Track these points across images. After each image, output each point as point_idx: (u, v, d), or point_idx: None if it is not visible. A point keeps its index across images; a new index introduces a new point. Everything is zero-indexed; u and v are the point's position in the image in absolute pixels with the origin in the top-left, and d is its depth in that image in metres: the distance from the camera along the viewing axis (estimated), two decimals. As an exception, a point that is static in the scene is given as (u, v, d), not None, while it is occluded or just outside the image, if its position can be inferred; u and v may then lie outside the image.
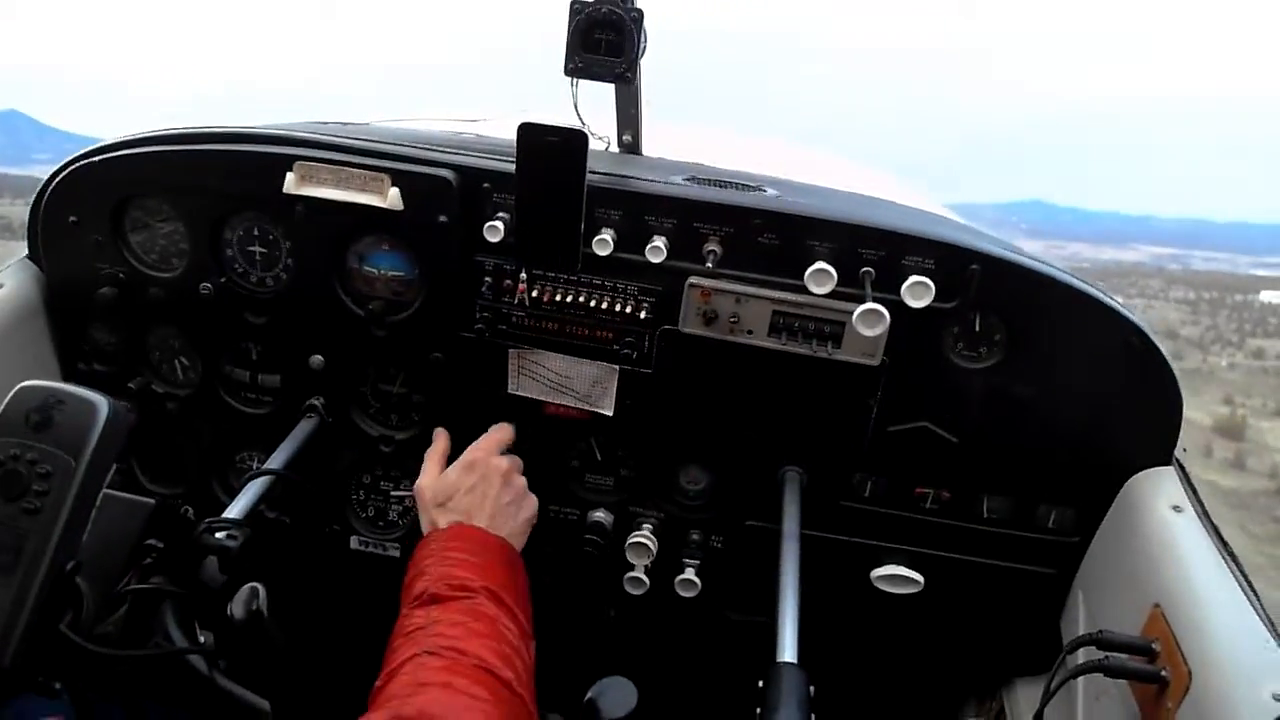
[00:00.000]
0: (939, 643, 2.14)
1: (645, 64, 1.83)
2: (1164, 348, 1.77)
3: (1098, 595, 1.87)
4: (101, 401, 1.36)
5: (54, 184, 1.96)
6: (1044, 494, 1.92)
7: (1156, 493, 1.77)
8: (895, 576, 1.99)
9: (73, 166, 1.94)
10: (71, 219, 1.97)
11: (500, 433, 1.94)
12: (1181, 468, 1.84)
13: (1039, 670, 2.03)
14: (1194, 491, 1.78)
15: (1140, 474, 1.83)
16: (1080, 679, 1.66)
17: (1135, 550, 1.74)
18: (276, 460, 1.93)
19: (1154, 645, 1.54)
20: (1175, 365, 1.79)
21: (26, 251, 2.06)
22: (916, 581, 1.98)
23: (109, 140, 1.97)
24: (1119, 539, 1.83)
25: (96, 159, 1.94)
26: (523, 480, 1.85)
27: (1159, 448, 1.84)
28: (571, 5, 1.72)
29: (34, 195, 1.99)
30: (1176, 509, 1.71)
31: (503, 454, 1.88)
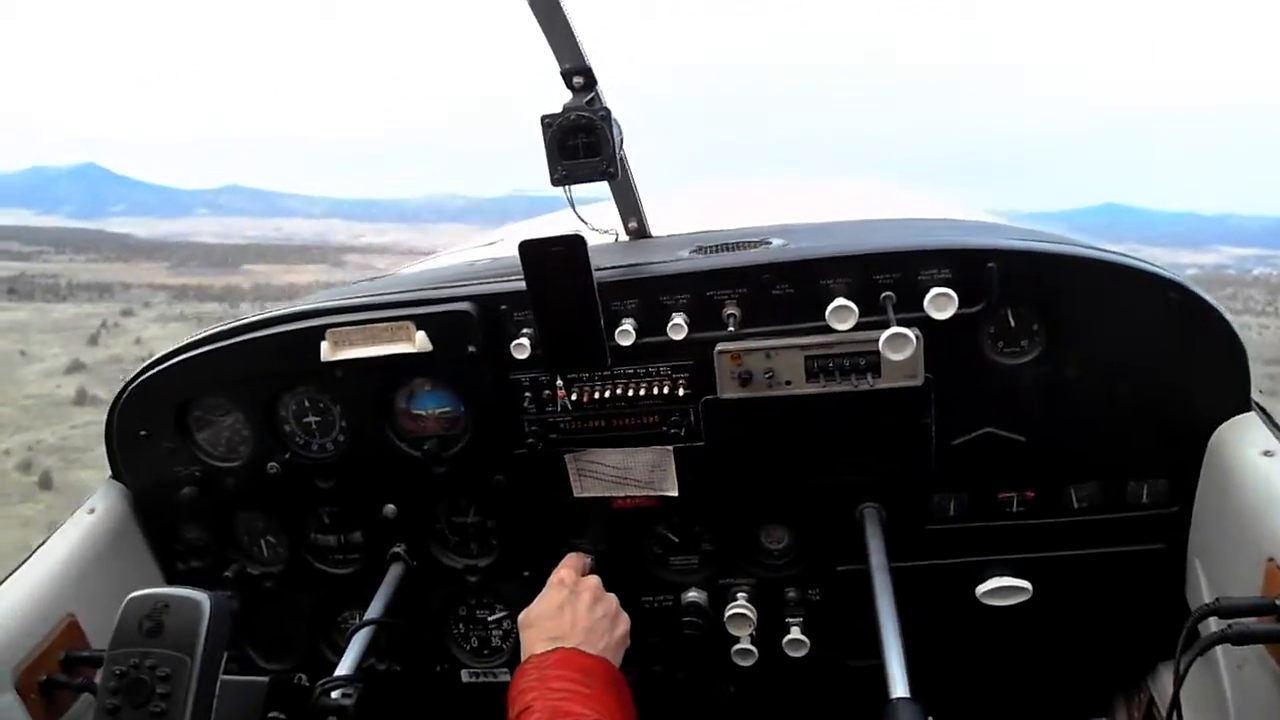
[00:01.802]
0: (1062, 647, 2.07)
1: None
2: (1207, 295, 1.73)
3: (1214, 560, 1.79)
4: (203, 598, 1.50)
5: (119, 406, 2.10)
6: (1129, 470, 1.87)
7: (1243, 442, 1.70)
8: (1002, 588, 1.93)
9: (131, 386, 2.07)
10: (142, 433, 2.10)
11: (578, 559, 1.94)
12: (1262, 410, 1.78)
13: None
14: None
15: (1222, 426, 1.77)
16: (1219, 651, 1.60)
17: (1237, 505, 1.66)
18: (373, 611, 2.00)
19: (1278, 601, 1.45)
20: (1224, 310, 1.75)
21: (109, 472, 2.19)
22: (1025, 589, 1.92)
23: (157, 355, 2.11)
24: (1218, 497, 1.76)
25: (151, 373, 2.07)
26: (613, 597, 1.81)
27: (1232, 395, 1.77)
28: (541, 120, 1.78)
29: (104, 421, 2.12)
30: (1268, 454, 1.64)
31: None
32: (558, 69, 1.77)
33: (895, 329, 1.65)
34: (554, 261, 1.74)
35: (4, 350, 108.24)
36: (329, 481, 2.09)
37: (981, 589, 1.94)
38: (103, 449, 2.13)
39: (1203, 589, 1.81)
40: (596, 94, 1.80)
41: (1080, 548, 1.92)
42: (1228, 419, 1.77)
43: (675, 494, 2.00)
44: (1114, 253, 1.79)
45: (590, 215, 2.11)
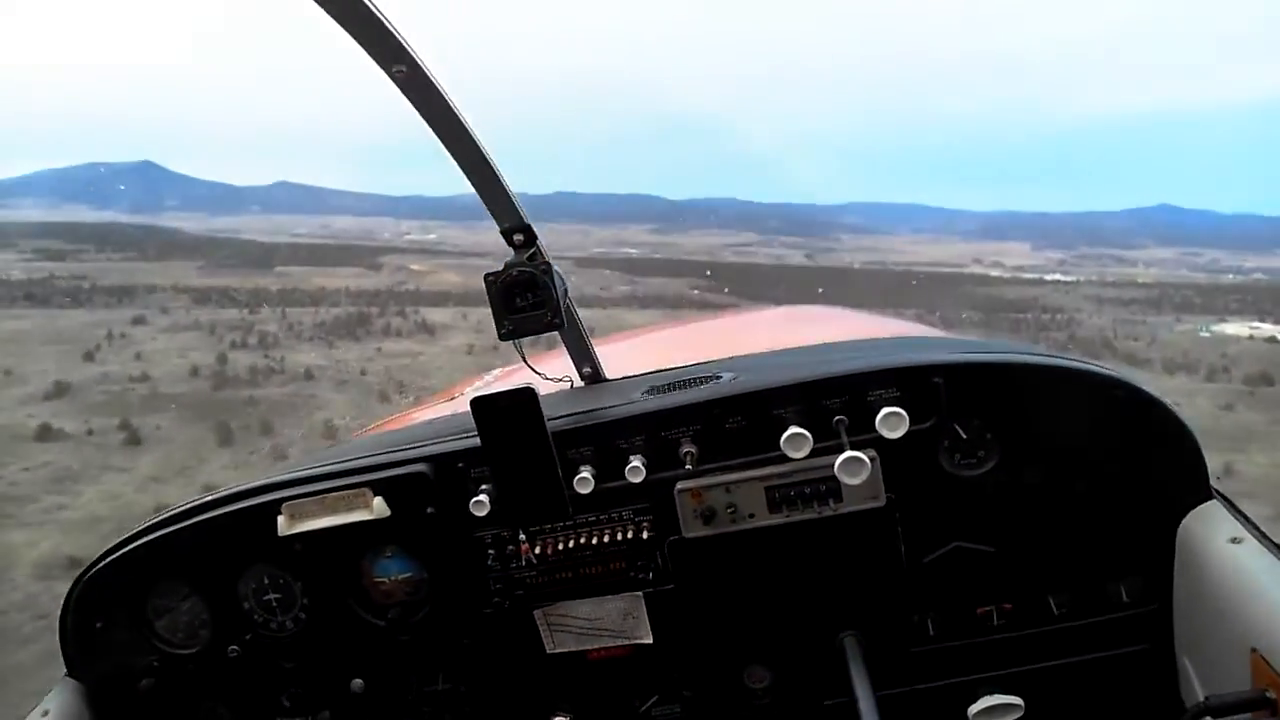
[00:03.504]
0: None
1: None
2: (1151, 390, 1.76)
3: (1200, 656, 1.76)
4: None
5: (73, 600, 2.03)
6: (1103, 571, 1.87)
7: (1210, 531, 1.71)
8: (993, 708, 1.89)
9: (85, 577, 2.02)
10: (97, 624, 2.03)
11: None
12: (1223, 497, 1.79)
13: None
14: (1244, 517, 1.72)
15: (1186, 518, 1.77)
16: None
17: (1213, 598, 1.66)
18: None
19: (1268, 694, 1.43)
20: (1167, 400, 1.77)
21: (64, 670, 2.10)
22: (1017, 706, 1.89)
23: (108, 546, 2.05)
24: (1193, 590, 1.75)
25: (106, 563, 2.01)
26: None
27: (1191, 486, 1.78)
28: (485, 279, 1.82)
29: (59, 616, 2.05)
30: (1235, 540, 1.64)
31: None
32: (497, 228, 1.86)
33: (849, 453, 1.66)
34: (506, 415, 1.77)
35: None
36: (292, 661, 2.04)
37: (973, 709, 1.91)
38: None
39: (1196, 687, 1.76)
40: (538, 249, 1.85)
41: (1067, 656, 1.91)
42: (1191, 509, 1.77)
43: (650, 640, 1.97)
44: (1056, 356, 1.82)
45: (550, 362, 2.24)
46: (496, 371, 2.60)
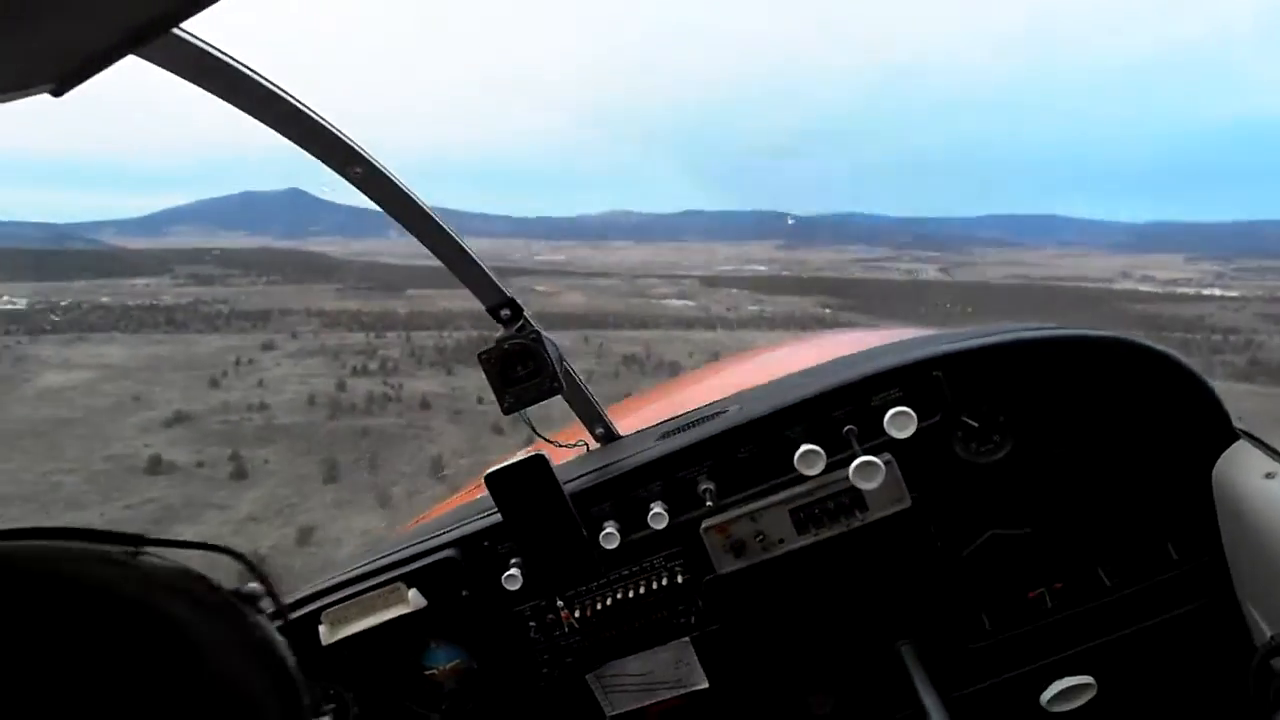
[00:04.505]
0: None
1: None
2: (1154, 343, 1.73)
3: (1263, 598, 1.71)
4: None
5: None
6: (1145, 534, 1.81)
7: (1242, 471, 1.66)
8: (1066, 691, 1.85)
9: None
10: None
11: None
12: (1249, 435, 1.74)
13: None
14: (1273, 451, 1.67)
15: (1218, 463, 1.73)
16: None
17: (1260, 535, 1.60)
18: None
19: None
20: (1171, 351, 1.73)
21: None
22: (1089, 684, 1.85)
23: None
24: (1240, 534, 1.69)
25: None
26: None
27: (1214, 429, 1.74)
28: (479, 357, 1.81)
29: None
30: (1270, 475, 1.59)
31: None
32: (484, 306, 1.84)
33: (862, 458, 1.64)
34: (521, 485, 1.78)
35: (120, 395, 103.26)
36: None
37: (1045, 696, 1.87)
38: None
39: (1264, 628, 1.70)
40: (525, 320, 1.84)
41: (1129, 625, 1.85)
42: (1219, 453, 1.73)
43: (706, 685, 1.94)
44: (1048, 327, 1.77)
45: (574, 436, 2.22)
46: (520, 454, 1.86)
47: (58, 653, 0.54)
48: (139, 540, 0.64)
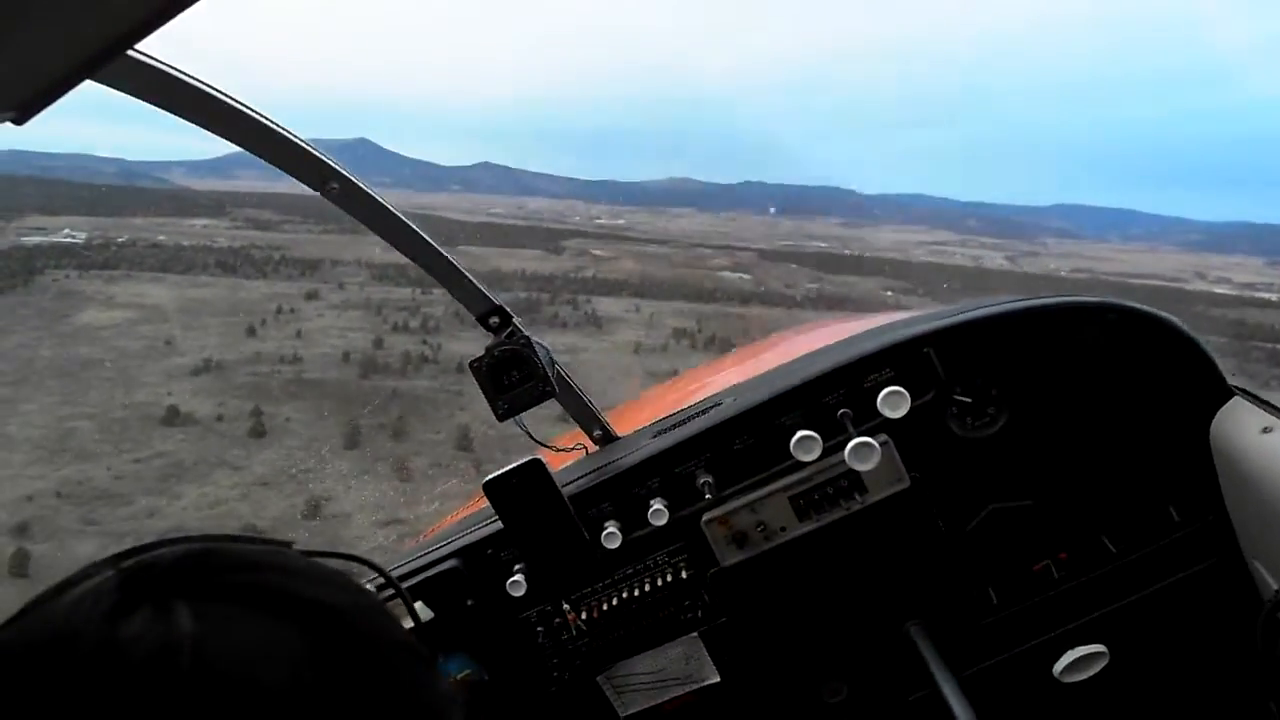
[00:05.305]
0: (1161, 696, 1.98)
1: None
2: (1142, 305, 1.73)
3: (1268, 555, 1.70)
4: None
5: None
6: (1147, 498, 1.81)
7: (1239, 427, 1.66)
8: (1078, 660, 1.86)
9: None
10: None
11: None
12: (1244, 391, 1.73)
13: None
14: (1268, 405, 1.66)
15: (1214, 421, 1.72)
16: None
17: (1261, 490, 1.60)
18: None
19: None
20: (1160, 311, 1.72)
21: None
22: (1101, 653, 1.85)
23: None
24: (1241, 490, 1.69)
25: None
26: None
27: (1208, 388, 1.74)
28: (470, 366, 1.81)
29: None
30: (1266, 430, 1.59)
31: None
32: (473, 317, 1.85)
33: (856, 439, 1.65)
34: (520, 490, 1.78)
35: (154, 338, 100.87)
36: None
37: (1058, 667, 1.87)
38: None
39: (1270, 583, 1.70)
40: (514, 326, 1.84)
41: (1137, 590, 1.85)
42: (1215, 411, 1.73)
43: (718, 679, 1.94)
44: (1038, 297, 1.77)
45: (572, 440, 2.20)
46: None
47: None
48: (285, 546, 0.67)
